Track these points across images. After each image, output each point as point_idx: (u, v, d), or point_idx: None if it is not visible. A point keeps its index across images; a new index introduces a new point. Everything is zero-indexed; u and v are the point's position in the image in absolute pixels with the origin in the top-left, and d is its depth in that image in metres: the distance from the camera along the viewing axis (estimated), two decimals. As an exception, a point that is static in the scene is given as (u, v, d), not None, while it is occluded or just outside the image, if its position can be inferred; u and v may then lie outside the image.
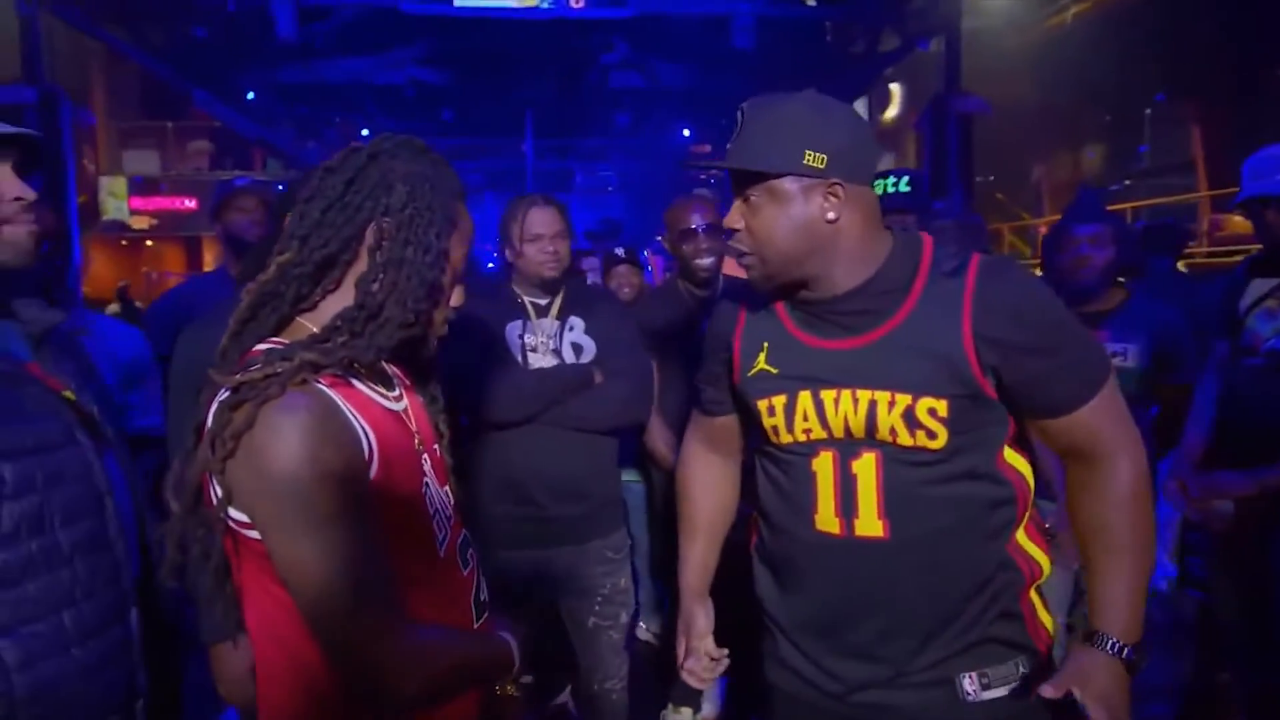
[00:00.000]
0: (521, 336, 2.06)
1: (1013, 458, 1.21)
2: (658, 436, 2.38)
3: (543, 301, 2.10)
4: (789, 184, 1.11)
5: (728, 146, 1.17)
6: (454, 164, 1.07)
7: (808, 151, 1.09)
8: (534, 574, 2.07)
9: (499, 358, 2.05)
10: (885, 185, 2.62)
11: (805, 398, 1.20)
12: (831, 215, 1.12)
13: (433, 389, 1.15)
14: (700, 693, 2.61)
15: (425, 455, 1.04)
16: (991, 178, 13.86)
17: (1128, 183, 14.21)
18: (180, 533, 0.94)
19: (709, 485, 1.47)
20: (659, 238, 2.57)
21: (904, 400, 1.14)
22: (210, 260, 16.10)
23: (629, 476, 2.87)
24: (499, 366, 2.03)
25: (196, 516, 0.94)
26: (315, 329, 0.96)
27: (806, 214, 1.12)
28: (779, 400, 1.23)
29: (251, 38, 9.91)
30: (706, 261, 2.37)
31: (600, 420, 2.04)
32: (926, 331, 1.13)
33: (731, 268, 2.62)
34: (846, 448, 1.20)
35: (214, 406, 0.89)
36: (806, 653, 1.29)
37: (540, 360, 2.05)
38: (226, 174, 19.55)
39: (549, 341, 2.07)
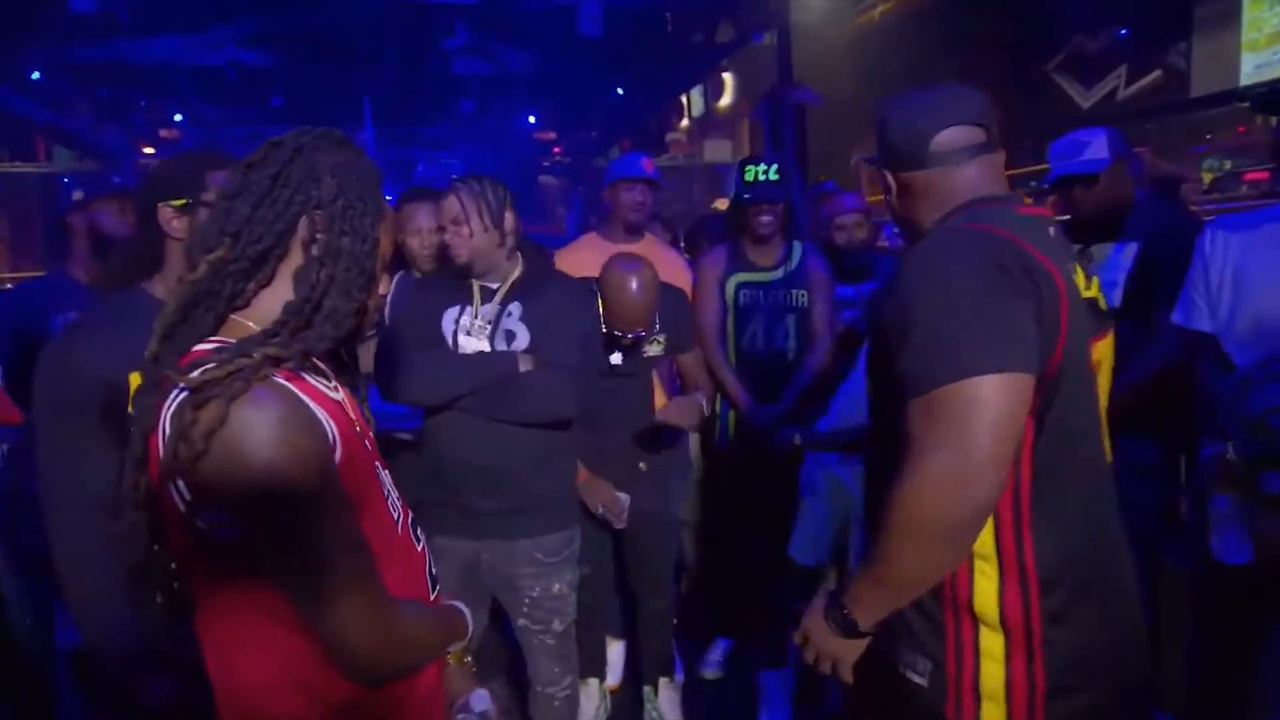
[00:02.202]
0: (457, 320, 2.00)
1: None
2: None
3: (492, 285, 2.03)
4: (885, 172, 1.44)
5: None
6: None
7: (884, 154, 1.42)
8: (463, 564, 2.02)
9: (423, 340, 1.99)
10: (756, 172, 2.89)
11: None
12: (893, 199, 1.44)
13: (353, 378, 1.17)
14: (605, 664, 2.71)
15: (367, 440, 1.08)
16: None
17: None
18: (145, 546, 0.95)
19: None
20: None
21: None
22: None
23: None
24: (419, 349, 1.98)
25: (152, 526, 0.94)
26: (254, 325, 0.97)
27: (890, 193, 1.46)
28: None
29: (37, 9, 8.74)
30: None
31: (514, 412, 1.91)
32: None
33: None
34: None
35: (170, 408, 0.89)
36: None
37: (472, 345, 1.98)
38: (4, 166, 17.06)
39: (485, 327, 1.99)
